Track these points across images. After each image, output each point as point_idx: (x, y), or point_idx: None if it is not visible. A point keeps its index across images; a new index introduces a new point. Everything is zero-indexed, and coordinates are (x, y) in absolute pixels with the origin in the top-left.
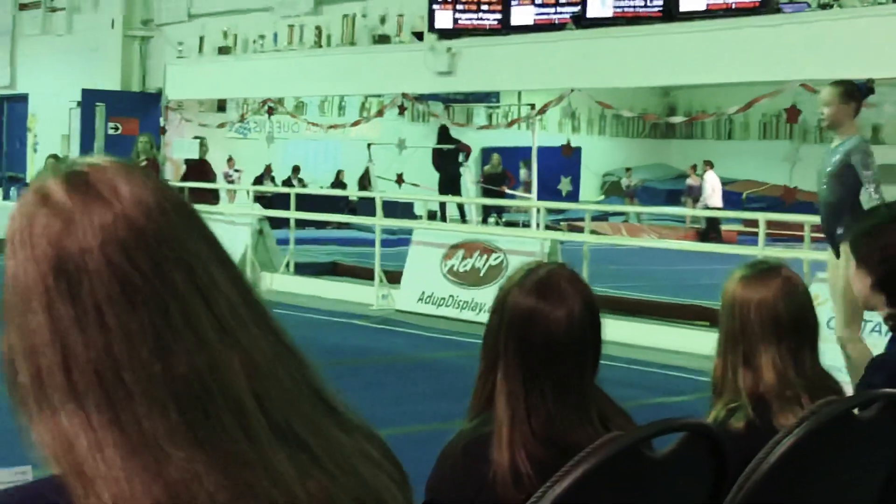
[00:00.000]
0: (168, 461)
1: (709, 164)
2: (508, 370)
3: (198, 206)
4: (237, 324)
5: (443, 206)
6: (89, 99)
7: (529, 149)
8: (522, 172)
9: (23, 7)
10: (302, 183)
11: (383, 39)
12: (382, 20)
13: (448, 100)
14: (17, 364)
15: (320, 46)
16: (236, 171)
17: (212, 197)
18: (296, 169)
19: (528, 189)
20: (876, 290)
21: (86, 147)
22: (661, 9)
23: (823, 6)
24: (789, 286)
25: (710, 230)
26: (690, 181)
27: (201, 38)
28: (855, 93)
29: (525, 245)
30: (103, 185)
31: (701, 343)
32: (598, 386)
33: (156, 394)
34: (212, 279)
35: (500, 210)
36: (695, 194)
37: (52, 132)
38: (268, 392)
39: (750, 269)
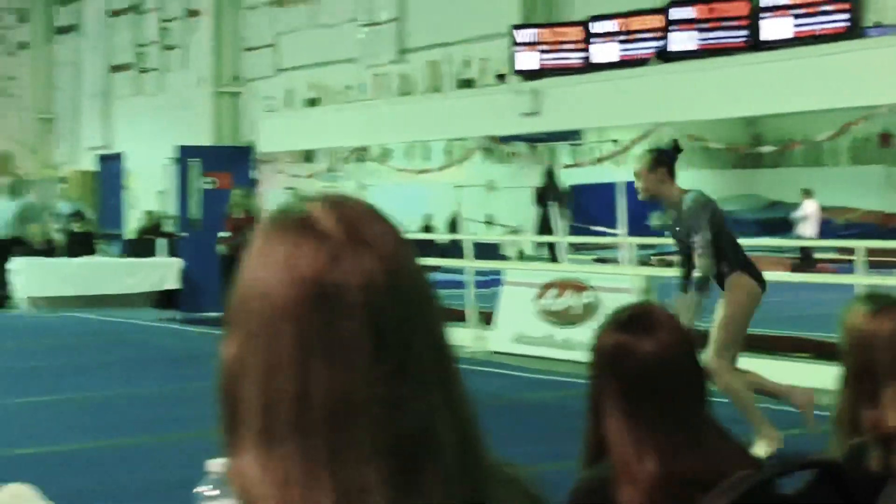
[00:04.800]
0: None
1: (808, 193)
2: (612, 411)
3: None
4: (454, 383)
5: (550, 245)
6: (184, 155)
7: (614, 185)
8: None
9: (115, 69)
10: None
11: (467, 83)
12: (466, 65)
13: (531, 139)
14: (243, 380)
15: (406, 94)
16: None
17: None
18: None
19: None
20: None
21: (182, 202)
22: (745, 39)
23: None
24: None
25: (805, 261)
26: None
27: (290, 91)
28: (661, 158)
29: (618, 282)
30: (366, 227)
31: (805, 375)
32: (715, 420)
33: (378, 444)
34: (441, 336)
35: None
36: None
37: (147, 189)
38: (467, 455)
39: (873, 301)
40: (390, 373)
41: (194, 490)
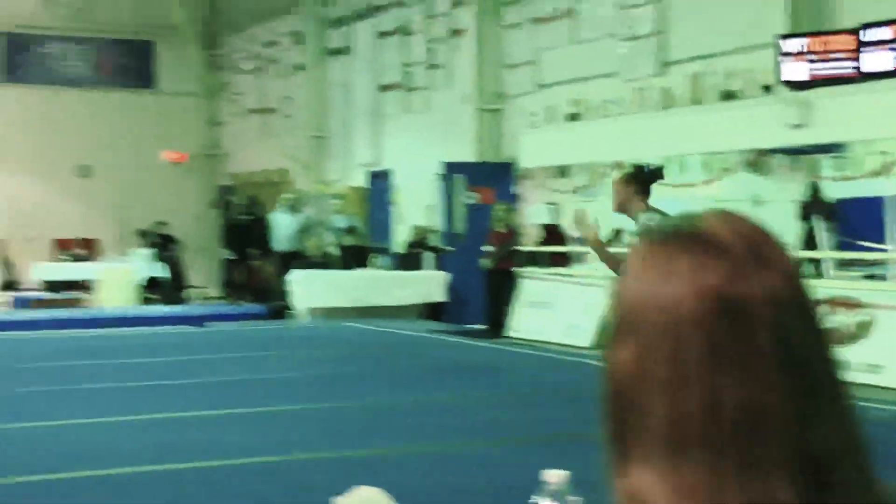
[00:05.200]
0: None
1: None
2: None
3: (554, 269)
4: (848, 401)
5: (815, 261)
6: (449, 171)
7: (882, 199)
8: None
9: (384, 88)
10: None
11: (730, 96)
12: (729, 76)
13: (793, 152)
14: (642, 391)
15: (667, 108)
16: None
17: (565, 259)
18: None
19: None
20: None
21: (448, 217)
22: None
23: None
24: None
25: None
26: None
27: (550, 107)
28: (636, 176)
29: (894, 299)
30: (763, 243)
31: None
32: None
33: (786, 459)
34: (833, 353)
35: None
36: None
37: (414, 204)
38: (864, 474)
39: None
40: (797, 388)
41: (529, 501)
